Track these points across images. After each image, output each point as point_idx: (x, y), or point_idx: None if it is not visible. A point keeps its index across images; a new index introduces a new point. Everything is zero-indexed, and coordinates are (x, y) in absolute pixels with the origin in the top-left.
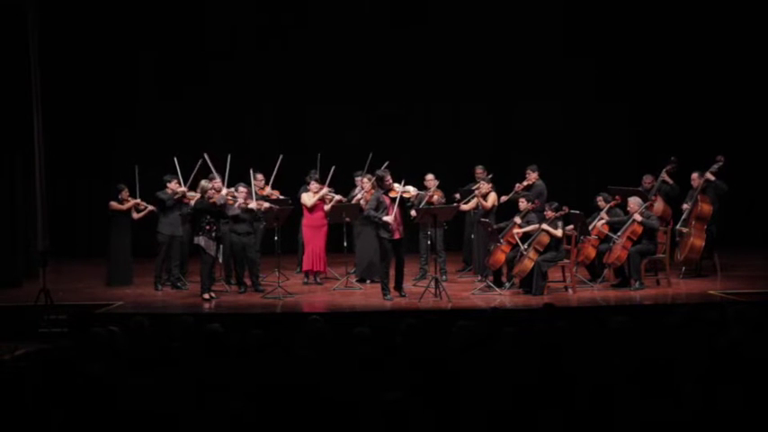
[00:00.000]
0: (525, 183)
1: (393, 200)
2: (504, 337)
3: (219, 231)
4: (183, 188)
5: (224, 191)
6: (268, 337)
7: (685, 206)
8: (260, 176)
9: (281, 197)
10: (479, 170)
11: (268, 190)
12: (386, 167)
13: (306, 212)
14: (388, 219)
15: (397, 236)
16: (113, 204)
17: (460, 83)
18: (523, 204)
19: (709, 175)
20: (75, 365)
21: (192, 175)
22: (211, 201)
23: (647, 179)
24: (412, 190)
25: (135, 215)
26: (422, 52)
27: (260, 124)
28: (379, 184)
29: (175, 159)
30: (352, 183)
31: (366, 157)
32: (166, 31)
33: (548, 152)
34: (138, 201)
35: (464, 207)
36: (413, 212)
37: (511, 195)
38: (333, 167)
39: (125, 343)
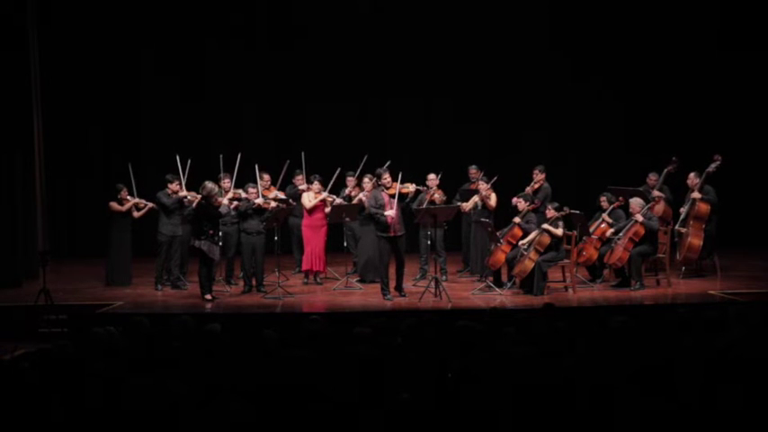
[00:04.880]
0: (535, 185)
1: (392, 197)
2: (504, 337)
3: (219, 234)
4: (184, 192)
5: (229, 195)
6: (271, 337)
7: (683, 210)
8: (266, 177)
9: (283, 197)
10: (473, 170)
11: (274, 192)
12: (387, 166)
13: (305, 213)
14: (390, 213)
15: (394, 233)
16: (113, 205)
17: (460, 82)
18: (522, 205)
19: (696, 194)
20: (75, 365)
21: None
22: (217, 201)
23: (652, 177)
24: (411, 186)
25: (135, 214)
26: (422, 51)
27: (260, 123)
28: (378, 181)
29: (177, 158)
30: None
31: (363, 156)
32: (167, 30)
33: (548, 152)
34: (138, 200)
35: (465, 206)
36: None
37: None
38: (339, 169)
39: (125, 343)
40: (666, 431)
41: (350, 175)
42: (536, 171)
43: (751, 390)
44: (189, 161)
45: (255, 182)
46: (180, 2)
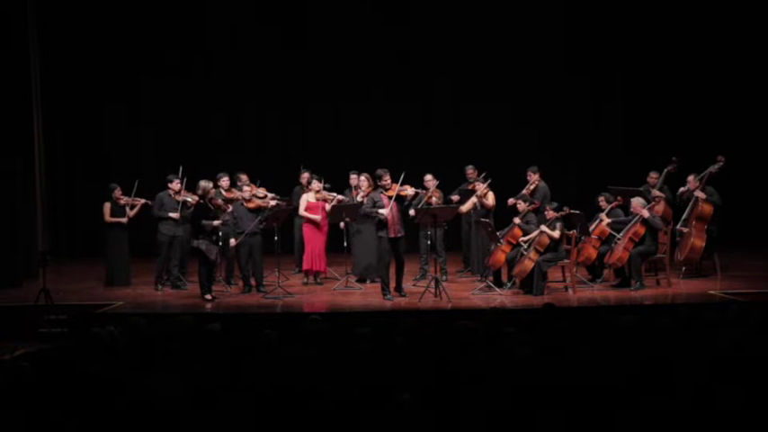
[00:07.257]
0: (531, 187)
1: (390, 198)
2: (504, 337)
3: (219, 234)
4: (183, 195)
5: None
6: (271, 337)
7: (686, 197)
8: (244, 177)
9: (280, 198)
10: (470, 170)
11: (259, 190)
12: (359, 172)
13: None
14: (384, 211)
15: (393, 234)
16: (108, 219)
17: (460, 82)
18: (521, 206)
19: (699, 194)
20: (75, 365)
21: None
22: (213, 201)
23: (653, 175)
24: (410, 189)
25: (130, 213)
26: (420, 51)
27: (259, 123)
28: (377, 182)
29: (181, 169)
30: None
31: (365, 157)
32: (166, 31)
33: (547, 152)
34: (131, 199)
35: (462, 209)
36: (411, 212)
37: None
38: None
39: (125, 343)
40: (666, 431)
41: (354, 173)
42: (529, 172)
43: (751, 390)
44: (180, 167)
45: (248, 185)
46: (180, 2)
